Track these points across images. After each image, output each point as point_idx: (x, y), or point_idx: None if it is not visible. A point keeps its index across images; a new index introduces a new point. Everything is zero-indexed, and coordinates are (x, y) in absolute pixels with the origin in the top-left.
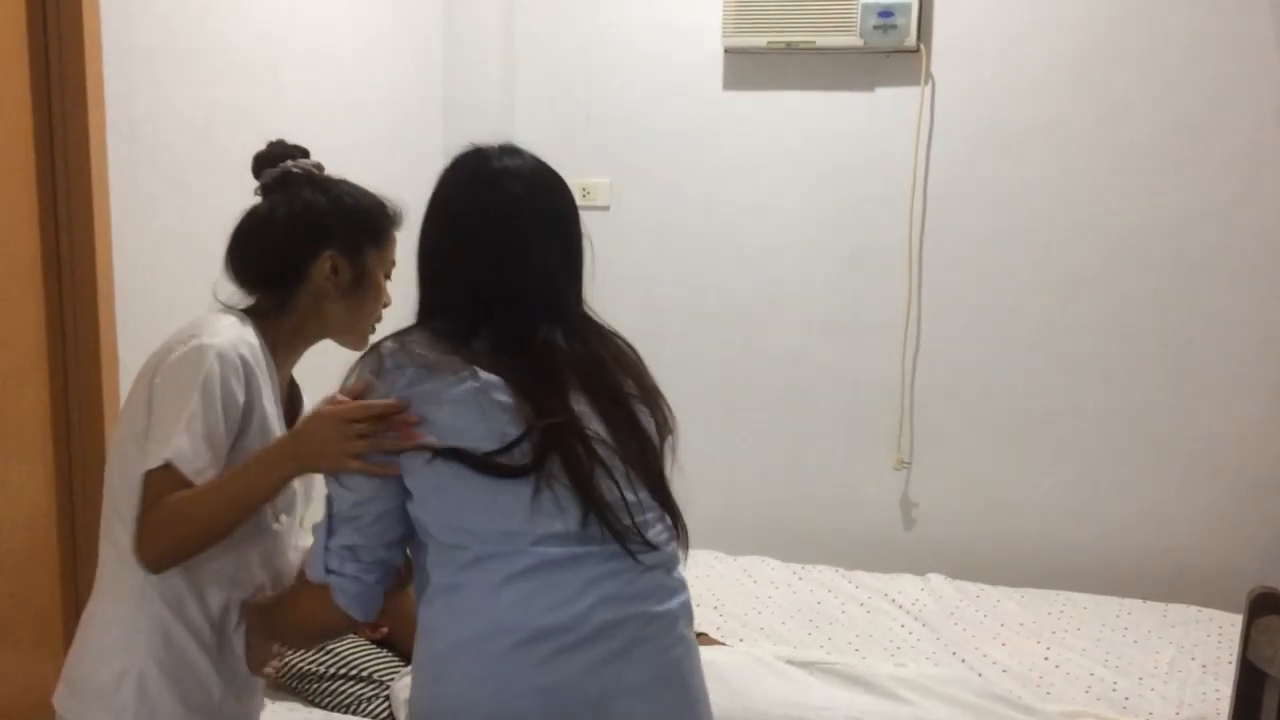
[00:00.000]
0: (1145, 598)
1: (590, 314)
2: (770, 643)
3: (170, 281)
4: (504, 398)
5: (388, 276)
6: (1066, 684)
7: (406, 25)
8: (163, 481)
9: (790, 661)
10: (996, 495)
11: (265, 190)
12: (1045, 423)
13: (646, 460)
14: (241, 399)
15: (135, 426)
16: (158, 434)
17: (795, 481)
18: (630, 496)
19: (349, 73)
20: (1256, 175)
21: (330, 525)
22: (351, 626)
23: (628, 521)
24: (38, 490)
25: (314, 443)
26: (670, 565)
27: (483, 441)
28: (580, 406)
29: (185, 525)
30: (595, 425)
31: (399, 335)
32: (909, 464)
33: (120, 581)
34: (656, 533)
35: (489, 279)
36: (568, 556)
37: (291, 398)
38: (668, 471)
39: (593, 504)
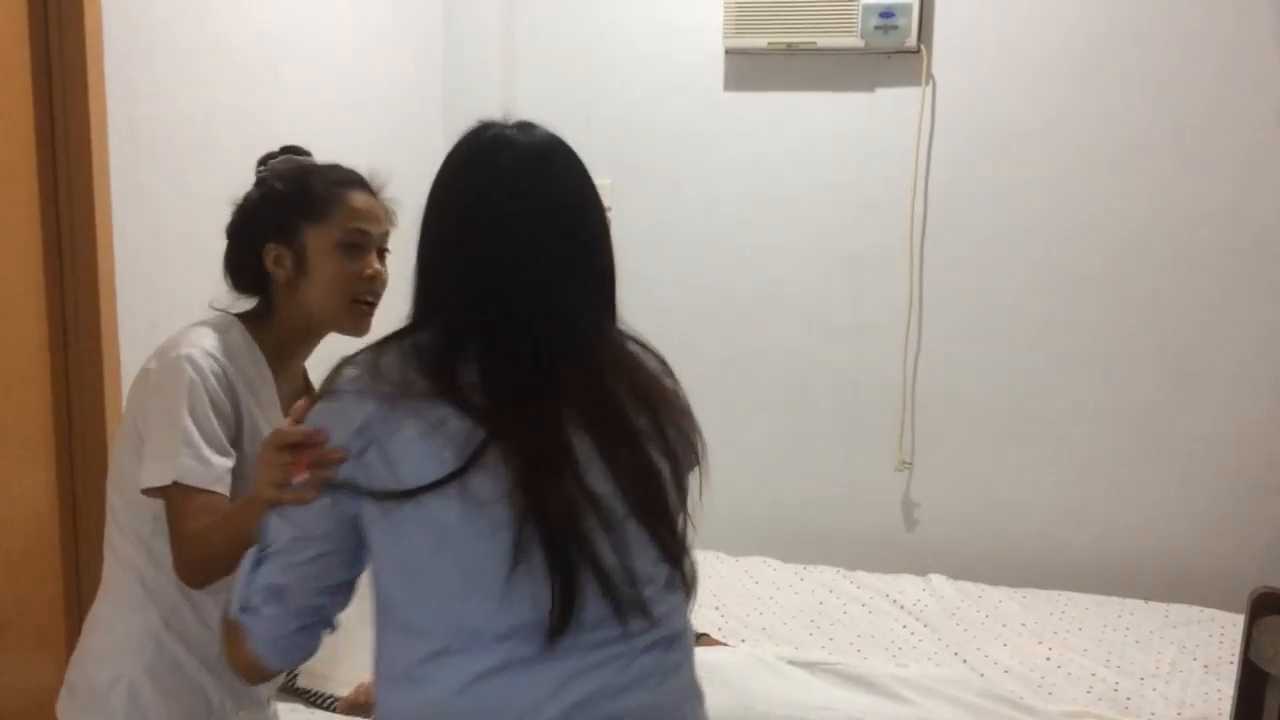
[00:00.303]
0: (1146, 598)
1: (617, 327)
2: (772, 643)
3: (171, 281)
4: (498, 457)
5: (357, 247)
6: (1068, 684)
7: (406, 25)
8: (179, 500)
9: (792, 662)
10: (998, 496)
11: None
12: (1046, 423)
13: (655, 511)
14: (227, 402)
15: (128, 441)
16: (158, 452)
17: (796, 482)
18: (631, 560)
19: (349, 73)
20: (1256, 175)
21: (259, 555)
22: (265, 675)
23: (628, 592)
24: (39, 491)
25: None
26: (674, 638)
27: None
28: (580, 446)
29: (207, 553)
30: (594, 471)
31: (373, 350)
32: (910, 464)
33: (118, 588)
34: (665, 606)
35: (471, 279)
36: (542, 650)
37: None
38: (686, 511)
39: (588, 569)
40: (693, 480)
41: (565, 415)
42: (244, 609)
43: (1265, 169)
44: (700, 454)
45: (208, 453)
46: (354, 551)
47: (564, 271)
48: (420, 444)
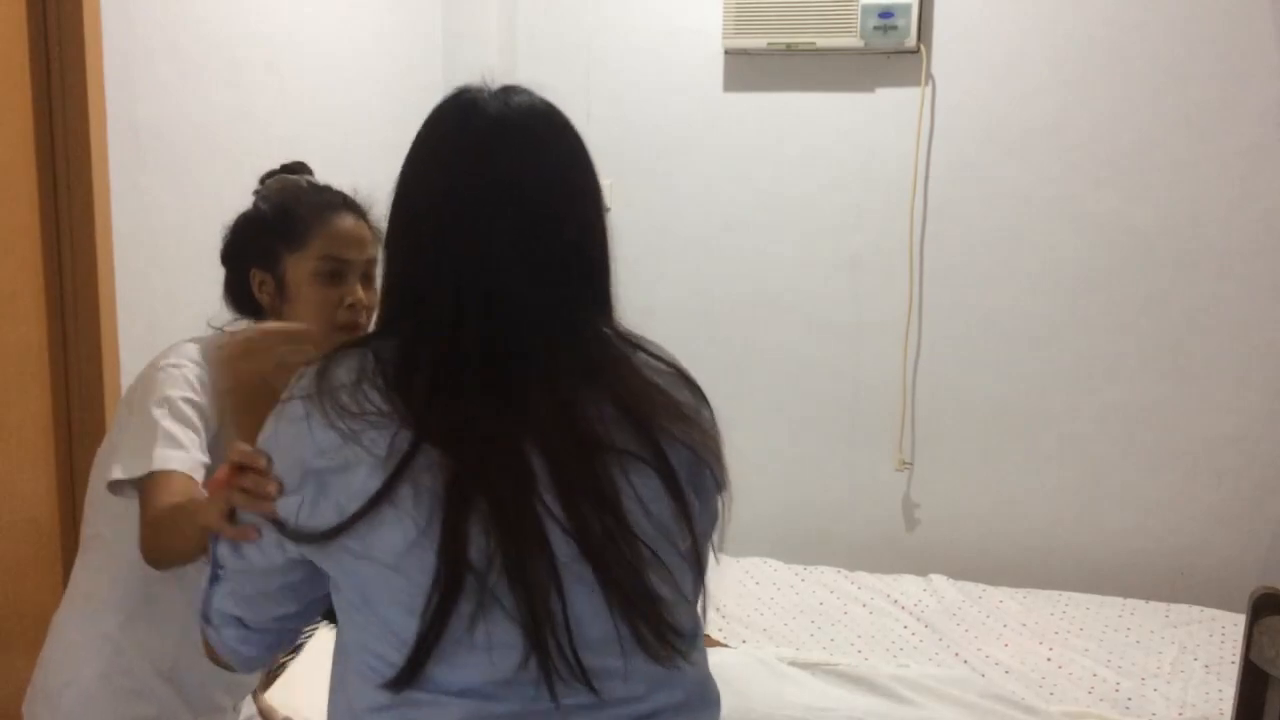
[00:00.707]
0: (1148, 598)
1: (610, 328)
2: (773, 644)
3: (171, 283)
4: (432, 475)
5: (337, 274)
6: (1069, 684)
7: (406, 25)
8: (152, 485)
9: (793, 663)
10: (998, 496)
11: None
12: (1047, 423)
13: (613, 551)
14: (210, 411)
15: (105, 447)
16: (135, 448)
17: (797, 482)
18: (578, 611)
19: (349, 73)
20: (1256, 175)
21: (213, 573)
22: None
23: (569, 656)
24: (40, 494)
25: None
26: (677, 710)
27: (403, 543)
28: (535, 463)
29: (168, 527)
30: (549, 494)
31: (328, 360)
32: (911, 465)
33: (80, 592)
34: (643, 674)
35: (423, 270)
36: (513, 712)
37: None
38: (697, 553)
39: (520, 615)
40: (706, 518)
41: (522, 426)
42: (206, 620)
43: (1265, 169)
44: (720, 480)
45: (185, 442)
46: (307, 581)
47: (524, 256)
48: (369, 480)
